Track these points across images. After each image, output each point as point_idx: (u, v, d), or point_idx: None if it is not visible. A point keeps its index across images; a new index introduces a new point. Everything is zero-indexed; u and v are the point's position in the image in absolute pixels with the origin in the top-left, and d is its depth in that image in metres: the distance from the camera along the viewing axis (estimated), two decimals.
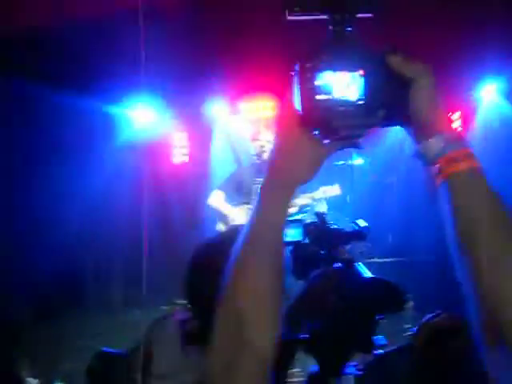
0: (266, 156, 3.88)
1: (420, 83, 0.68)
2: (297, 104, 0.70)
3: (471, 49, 4.36)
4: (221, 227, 4.16)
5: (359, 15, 0.69)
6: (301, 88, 0.68)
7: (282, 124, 0.74)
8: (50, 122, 5.18)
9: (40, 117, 5.15)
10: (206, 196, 5.30)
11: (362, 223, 1.06)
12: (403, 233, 4.23)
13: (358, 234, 1.05)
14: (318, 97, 0.67)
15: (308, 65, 0.67)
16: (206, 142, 6.18)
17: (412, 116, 0.70)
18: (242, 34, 4.80)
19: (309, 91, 0.67)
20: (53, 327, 4.64)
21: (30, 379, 2.98)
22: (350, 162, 4.62)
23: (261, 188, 0.75)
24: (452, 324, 1.15)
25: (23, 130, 5.18)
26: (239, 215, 4.03)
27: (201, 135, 6.22)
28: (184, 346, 0.96)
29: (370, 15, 0.69)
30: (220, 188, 4.20)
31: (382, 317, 1.05)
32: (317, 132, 0.70)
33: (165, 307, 5.50)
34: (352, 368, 1.09)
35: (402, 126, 0.74)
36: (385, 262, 4.58)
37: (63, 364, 3.67)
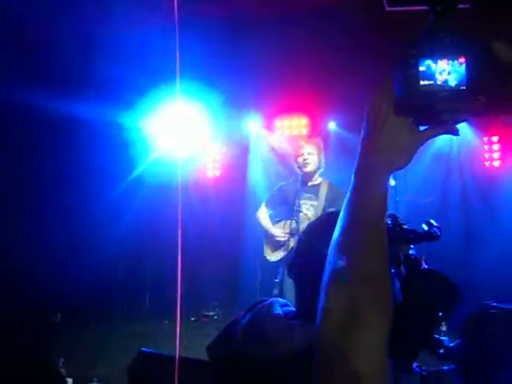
0: (309, 168, 3.89)
1: None
2: (397, 90, 0.71)
3: None
4: (265, 242, 4.17)
5: (459, 6, 0.70)
6: (404, 73, 0.69)
7: (380, 110, 0.74)
8: (88, 140, 5.31)
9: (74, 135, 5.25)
10: (241, 210, 5.37)
11: (434, 224, 1.06)
12: (437, 253, 4.15)
13: (431, 235, 1.05)
14: (422, 82, 0.69)
15: (412, 51, 0.69)
16: (242, 156, 6.25)
17: None
18: (281, 55, 4.90)
19: (413, 76, 0.69)
20: (86, 332, 4.71)
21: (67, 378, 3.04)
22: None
23: (356, 172, 0.74)
24: (496, 311, 1.15)
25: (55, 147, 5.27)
26: (277, 232, 4.04)
27: (236, 149, 6.29)
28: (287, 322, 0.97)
29: (467, 5, 0.71)
30: (266, 203, 4.22)
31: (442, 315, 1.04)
32: (414, 118, 0.72)
33: (193, 318, 5.54)
34: (417, 368, 1.09)
35: (502, 112, 0.75)
36: None
37: (98, 367, 3.70)
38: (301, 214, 3.83)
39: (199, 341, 3.85)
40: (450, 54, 0.69)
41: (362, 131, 0.77)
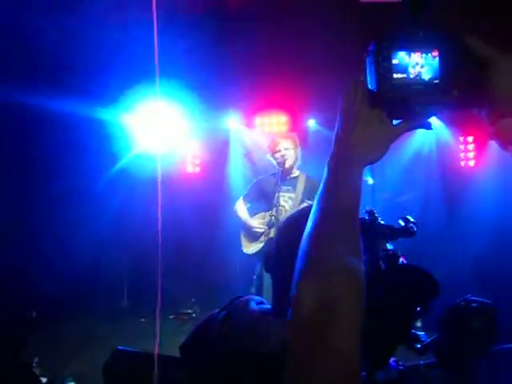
0: (288, 163, 3.95)
1: (499, 64, 0.67)
2: (370, 83, 0.71)
3: None
4: (242, 234, 4.20)
5: None
6: (377, 67, 0.69)
7: (354, 103, 0.73)
8: (67, 130, 5.22)
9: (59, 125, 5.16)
10: (221, 207, 5.35)
11: (410, 219, 1.07)
12: (414, 250, 4.21)
13: (407, 230, 1.06)
14: (394, 75, 0.68)
15: (385, 44, 0.69)
16: (221, 153, 6.23)
17: (488, 96, 0.69)
18: (260, 53, 4.89)
19: (385, 70, 0.68)
20: (61, 330, 4.63)
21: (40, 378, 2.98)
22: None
23: (329, 164, 0.74)
24: (477, 306, 1.18)
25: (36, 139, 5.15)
26: (255, 223, 4.07)
27: (215, 146, 6.27)
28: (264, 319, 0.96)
29: None
30: (244, 197, 4.27)
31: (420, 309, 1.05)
32: (387, 112, 0.71)
33: (171, 316, 5.50)
34: (394, 363, 1.10)
35: (476, 106, 0.73)
36: None
37: (73, 365, 3.64)
38: (279, 207, 3.87)
39: (178, 339, 3.83)
40: (424, 47, 0.69)
41: (336, 124, 0.76)
